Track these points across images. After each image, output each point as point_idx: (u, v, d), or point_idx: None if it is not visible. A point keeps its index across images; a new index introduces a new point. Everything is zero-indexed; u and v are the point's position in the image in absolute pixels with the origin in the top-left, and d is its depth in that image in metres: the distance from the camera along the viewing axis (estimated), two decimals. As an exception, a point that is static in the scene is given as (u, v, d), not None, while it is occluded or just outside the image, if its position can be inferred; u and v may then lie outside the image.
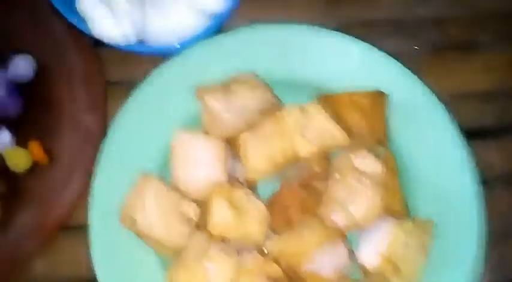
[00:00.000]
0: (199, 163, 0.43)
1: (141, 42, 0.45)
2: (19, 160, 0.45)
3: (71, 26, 0.44)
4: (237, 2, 0.45)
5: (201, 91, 0.45)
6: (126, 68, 0.51)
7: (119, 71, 0.51)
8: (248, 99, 0.44)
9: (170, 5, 0.46)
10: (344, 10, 0.54)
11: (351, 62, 0.47)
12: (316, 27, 0.48)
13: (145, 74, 0.49)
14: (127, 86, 0.49)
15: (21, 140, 0.46)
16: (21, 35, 0.48)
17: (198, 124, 0.45)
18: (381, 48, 0.47)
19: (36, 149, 0.45)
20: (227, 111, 0.43)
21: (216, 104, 0.42)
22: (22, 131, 0.46)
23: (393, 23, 0.54)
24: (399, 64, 0.46)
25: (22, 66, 0.47)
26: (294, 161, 0.43)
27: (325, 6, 0.54)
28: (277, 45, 0.47)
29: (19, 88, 0.47)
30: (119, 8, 0.43)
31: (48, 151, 0.46)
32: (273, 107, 0.45)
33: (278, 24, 0.48)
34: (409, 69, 0.46)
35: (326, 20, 0.53)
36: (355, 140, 0.43)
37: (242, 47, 0.47)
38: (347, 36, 0.47)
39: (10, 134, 0.46)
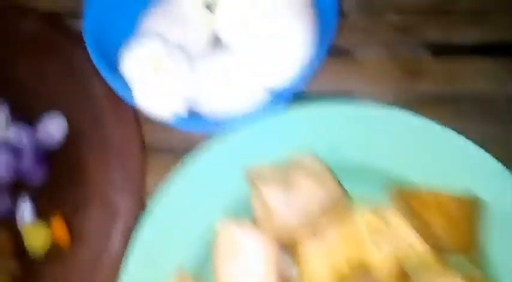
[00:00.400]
0: (247, 262, 0.36)
1: (190, 115, 0.38)
2: (38, 239, 0.38)
3: (112, 90, 0.38)
4: (304, 81, 0.37)
5: (252, 174, 0.38)
6: (168, 133, 0.44)
7: (159, 137, 0.45)
8: (310, 193, 0.36)
9: (227, 76, 0.39)
10: (420, 84, 0.47)
11: (433, 152, 0.39)
12: (393, 107, 0.40)
13: (188, 141, 0.44)
14: (167, 155, 0.44)
15: (42, 213, 0.40)
16: (54, 93, 0.42)
17: (247, 211, 0.38)
18: (469, 137, 0.40)
19: (58, 226, 0.39)
20: (286, 207, 0.36)
21: (273, 198, 0.35)
22: (44, 202, 0.40)
23: (480, 101, 0.46)
24: (493, 160, 0.38)
25: (53, 127, 0.41)
26: (363, 273, 0.36)
27: (400, 78, 0.47)
28: (344, 125, 0.40)
29: (47, 152, 0.41)
30: (169, 78, 0.36)
31: (71, 229, 0.39)
32: (339, 204, 0.37)
33: (347, 101, 0.41)
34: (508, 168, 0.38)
35: (399, 93, 0.47)
36: (439, 253, 0.36)
37: (304, 125, 0.40)
38: (429, 121, 0.39)
39: (31, 205, 0.40)
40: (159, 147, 0.45)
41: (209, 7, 0.44)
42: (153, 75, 0.36)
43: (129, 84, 0.38)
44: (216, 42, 0.44)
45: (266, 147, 0.40)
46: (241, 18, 0.41)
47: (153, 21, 0.43)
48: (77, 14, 0.47)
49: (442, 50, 0.48)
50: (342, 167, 0.40)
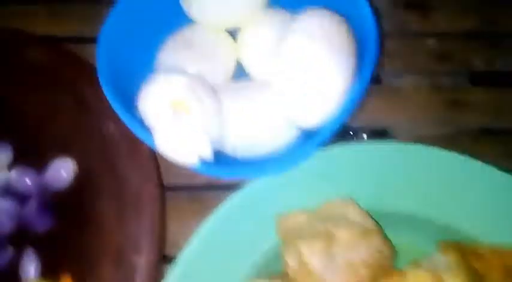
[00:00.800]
0: None
1: (216, 158, 0.33)
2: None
3: (128, 129, 0.34)
4: (342, 119, 0.33)
5: (285, 226, 0.34)
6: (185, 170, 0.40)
7: (175, 173, 0.40)
8: (353, 248, 0.32)
9: (257, 113, 0.35)
10: (465, 116, 0.43)
11: (492, 200, 0.35)
12: (441, 148, 0.36)
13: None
14: (184, 193, 0.40)
15: (48, 268, 0.35)
16: (63, 132, 0.38)
17: (275, 262, 0.34)
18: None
19: (68, 286, 0.35)
20: (328, 266, 0.31)
21: (314, 258, 0.31)
22: (50, 255, 0.36)
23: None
24: None
25: (61, 170, 0.37)
26: None
27: (445, 109, 0.43)
28: (387, 167, 0.36)
29: (53, 198, 0.37)
30: (194, 119, 0.32)
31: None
32: (385, 258, 0.33)
33: (388, 141, 0.37)
34: None
35: (443, 124, 0.43)
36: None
37: (343, 168, 0.36)
38: (486, 165, 0.35)
39: (37, 260, 0.35)
40: (176, 185, 0.40)
41: (232, 34, 0.40)
42: (176, 116, 0.32)
43: (147, 125, 0.34)
44: (240, 72, 0.40)
45: (299, 193, 0.35)
46: (268, 49, 0.37)
47: (172, 52, 0.39)
48: (88, 39, 0.44)
49: (486, 78, 0.44)
50: (385, 214, 0.35)
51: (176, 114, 0.32)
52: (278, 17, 0.39)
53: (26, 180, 0.37)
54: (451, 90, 0.44)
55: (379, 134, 0.43)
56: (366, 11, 0.35)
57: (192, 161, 0.32)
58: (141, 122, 0.34)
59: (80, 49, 0.42)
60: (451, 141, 0.42)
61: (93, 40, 0.43)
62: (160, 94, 0.33)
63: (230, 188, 0.40)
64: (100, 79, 0.34)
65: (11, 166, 0.38)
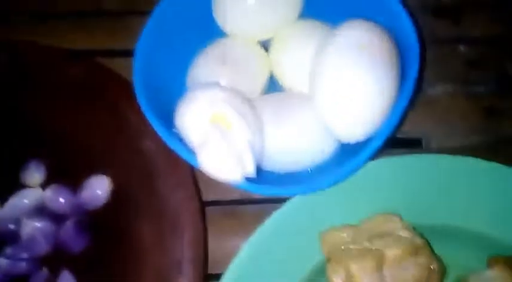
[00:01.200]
0: None
1: (259, 175, 0.33)
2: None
3: (167, 146, 0.33)
4: (386, 133, 0.32)
5: (329, 242, 0.33)
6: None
7: (213, 188, 0.39)
8: (402, 265, 0.32)
9: (296, 126, 0.34)
10: (502, 123, 0.42)
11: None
12: (480, 160, 0.35)
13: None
14: (221, 207, 0.40)
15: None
16: (99, 148, 0.37)
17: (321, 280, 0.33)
18: None
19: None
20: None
21: (366, 280, 0.30)
22: (86, 276, 0.35)
23: None
24: None
25: (97, 189, 0.36)
26: None
27: (481, 117, 0.42)
28: (431, 181, 0.35)
29: (89, 218, 0.36)
30: (236, 134, 0.31)
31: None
32: (434, 275, 0.32)
33: (430, 154, 0.36)
34: None
35: (481, 132, 0.42)
36: None
37: (385, 182, 0.35)
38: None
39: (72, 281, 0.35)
40: (211, 200, 0.40)
41: (264, 45, 0.40)
42: (217, 132, 0.31)
43: (186, 142, 0.33)
44: (272, 83, 0.39)
45: (341, 208, 0.35)
46: (302, 61, 0.37)
47: (205, 66, 0.38)
48: (117, 52, 0.44)
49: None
50: (430, 227, 0.34)
51: (217, 130, 0.31)
52: (312, 28, 0.38)
53: (60, 199, 0.36)
54: (486, 97, 0.43)
55: (414, 143, 0.42)
56: (407, 23, 0.34)
57: (235, 178, 0.31)
58: (180, 139, 0.33)
59: (108, 62, 0.42)
60: (490, 150, 0.41)
61: (121, 53, 0.44)
62: (200, 110, 0.32)
63: (265, 202, 0.39)
64: (138, 96, 0.34)
65: (45, 185, 0.37)
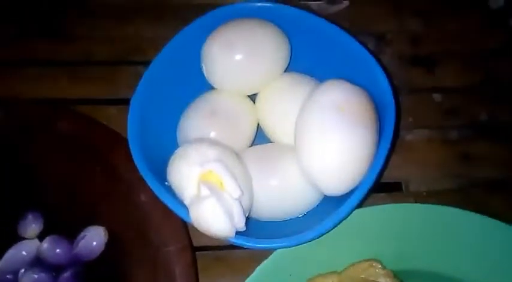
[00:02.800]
0: None
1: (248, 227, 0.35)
2: None
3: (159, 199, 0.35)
4: (371, 182, 0.35)
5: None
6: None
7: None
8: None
9: (280, 177, 0.36)
10: (476, 168, 0.45)
11: (506, 255, 0.36)
12: (453, 208, 0.38)
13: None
14: (212, 252, 0.41)
15: None
16: (93, 201, 0.38)
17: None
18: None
19: None
20: None
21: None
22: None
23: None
24: None
25: (92, 239, 0.37)
26: None
27: (456, 162, 0.45)
28: (409, 228, 0.37)
29: (85, 267, 0.37)
30: (227, 190, 0.33)
31: None
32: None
33: (412, 204, 0.38)
34: None
35: (456, 177, 0.45)
36: None
37: (367, 229, 0.37)
38: (499, 223, 0.37)
39: None
40: (201, 245, 0.41)
41: (252, 97, 0.42)
42: (208, 189, 0.33)
43: (178, 195, 0.35)
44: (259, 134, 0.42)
45: (326, 256, 0.37)
46: (287, 114, 0.39)
47: (195, 118, 0.40)
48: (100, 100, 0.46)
49: (492, 131, 0.46)
50: (411, 273, 0.37)
51: (208, 187, 0.33)
52: (296, 81, 0.41)
53: (57, 250, 0.37)
54: (460, 143, 0.46)
55: (394, 187, 0.44)
56: (384, 83, 0.37)
57: (226, 234, 0.33)
58: (172, 192, 0.35)
59: (94, 110, 0.44)
60: (464, 194, 0.43)
61: (107, 102, 0.46)
62: (191, 167, 0.34)
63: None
64: (132, 153, 0.35)
65: (42, 236, 0.38)
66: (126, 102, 0.45)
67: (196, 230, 0.40)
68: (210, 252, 0.42)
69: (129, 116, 0.37)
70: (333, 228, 0.34)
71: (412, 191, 0.44)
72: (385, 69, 0.38)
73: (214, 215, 0.32)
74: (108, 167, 0.37)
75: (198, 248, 0.41)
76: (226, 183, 0.33)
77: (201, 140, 0.36)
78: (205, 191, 0.33)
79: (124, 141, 0.38)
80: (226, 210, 0.32)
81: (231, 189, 0.33)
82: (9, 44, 0.49)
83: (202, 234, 0.40)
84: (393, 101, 0.36)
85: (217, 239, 0.41)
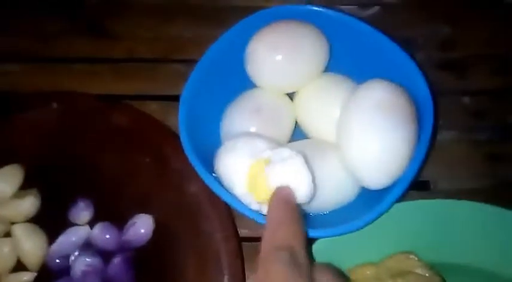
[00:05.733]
0: None
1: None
2: None
3: (209, 188, 0.37)
4: (411, 178, 0.36)
5: (351, 277, 0.37)
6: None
7: (245, 224, 0.43)
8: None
9: (320, 172, 0.38)
10: (503, 168, 0.46)
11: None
12: (485, 205, 0.39)
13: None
14: (250, 243, 0.42)
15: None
16: (144, 190, 0.40)
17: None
18: None
19: None
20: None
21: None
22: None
23: None
24: None
25: (142, 228, 0.39)
26: None
27: (483, 163, 0.47)
28: (444, 223, 0.39)
29: (134, 255, 0.39)
30: (276, 179, 0.35)
31: None
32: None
33: (446, 200, 0.40)
34: None
35: (483, 177, 0.46)
36: None
37: (405, 223, 0.39)
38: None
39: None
40: (243, 236, 0.43)
41: (290, 95, 0.44)
42: (259, 179, 0.35)
43: (226, 184, 0.37)
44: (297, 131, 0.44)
45: (365, 248, 0.38)
46: (326, 112, 0.41)
47: (239, 114, 0.42)
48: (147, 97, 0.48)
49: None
50: (445, 265, 0.38)
51: (259, 176, 0.35)
52: (334, 81, 0.43)
53: (107, 236, 0.39)
54: (488, 144, 0.47)
55: (421, 186, 0.46)
56: (422, 84, 0.39)
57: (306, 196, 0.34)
58: (219, 182, 0.37)
59: (140, 106, 0.45)
60: (491, 194, 0.45)
61: (152, 98, 0.48)
62: (242, 159, 0.36)
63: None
64: (183, 143, 0.37)
65: (92, 223, 0.40)
66: (166, 98, 0.48)
67: (237, 221, 0.42)
68: (248, 243, 0.43)
69: (179, 110, 0.39)
70: (375, 220, 0.36)
71: (440, 189, 0.46)
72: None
73: (301, 174, 0.32)
74: (159, 158, 0.39)
75: (241, 238, 0.42)
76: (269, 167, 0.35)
77: (250, 134, 0.38)
78: (250, 177, 0.34)
79: (172, 134, 0.40)
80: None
81: (285, 178, 0.35)
82: (55, 41, 0.51)
83: (242, 226, 0.43)
84: (432, 102, 0.38)
85: (259, 230, 0.43)
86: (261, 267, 0.26)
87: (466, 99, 0.49)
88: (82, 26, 0.52)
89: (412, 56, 0.40)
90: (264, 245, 0.27)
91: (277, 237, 0.28)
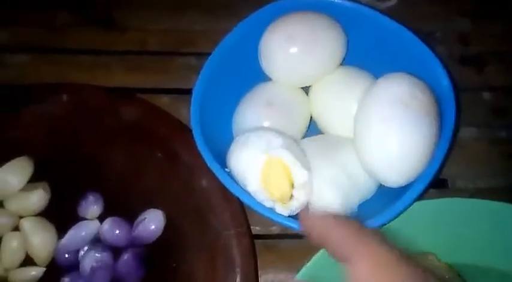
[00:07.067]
0: None
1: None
2: None
3: (220, 184, 0.36)
4: (431, 176, 0.35)
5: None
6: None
7: (256, 221, 0.42)
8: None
9: (336, 168, 0.37)
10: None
11: None
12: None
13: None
14: (262, 241, 0.42)
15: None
16: (154, 185, 0.39)
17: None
18: None
19: None
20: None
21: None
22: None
23: None
24: None
25: (151, 223, 0.38)
26: None
27: (502, 161, 0.45)
28: (458, 221, 0.38)
29: (144, 250, 0.38)
30: (291, 177, 0.34)
31: None
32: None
33: (465, 199, 0.39)
34: None
35: (502, 176, 0.45)
36: None
37: (424, 223, 0.37)
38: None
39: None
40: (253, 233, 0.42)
41: (305, 89, 0.43)
42: (273, 175, 0.34)
43: (238, 179, 0.36)
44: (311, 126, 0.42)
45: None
46: (341, 108, 0.40)
47: (252, 108, 0.41)
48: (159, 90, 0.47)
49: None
50: (464, 266, 0.37)
51: (274, 173, 0.34)
52: (351, 75, 0.41)
53: (117, 232, 0.38)
54: (508, 142, 0.46)
55: (439, 183, 0.45)
56: (444, 78, 0.38)
57: (284, 215, 0.34)
58: (231, 177, 0.36)
59: (151, 99, 0.44)
60: (511, 192, 0.44)
61: (163, 91, 0.47)
62: (256, 153, 0.35)
63: (303, 236, 0.42)
64: (195, 137, 0.36)
65: (102, 218, 0.39)
66: (177, 91, 0.47)
67: (250, 217, 0.41)
68: (259, 240, 0.42)
69: (191, 105, 0.38)
70: (393, 219, 0.35)
71: (459, 187, 0.45)
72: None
73: (276, 197, 0.33)
74: (169, 152, 0.38)
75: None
76: (293, 169, 0.34)
77: (264, 129, 0.37)
78: (268, 175, 0.34)
79: (183, 128, 0.39)
80: (290, 193, 0.33)
81: (299, 175, 0.34)
82: (66, 33, 0.50)
83: (253, 222, 0.42)
84: (453, 96, 0.37)
85: (269, 227, 0.42)
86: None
87: (487, 95, 0.48)
88: (92, 18, 0.51)
89: (432, 50, 0.39)
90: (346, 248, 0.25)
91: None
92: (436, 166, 0.35)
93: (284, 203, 0.35)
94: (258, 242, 0.42)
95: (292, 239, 0.42)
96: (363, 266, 0.24)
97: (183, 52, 0.50)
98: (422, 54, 0.39)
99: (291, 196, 0.35)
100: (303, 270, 0.36)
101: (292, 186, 0.35)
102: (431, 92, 0.36)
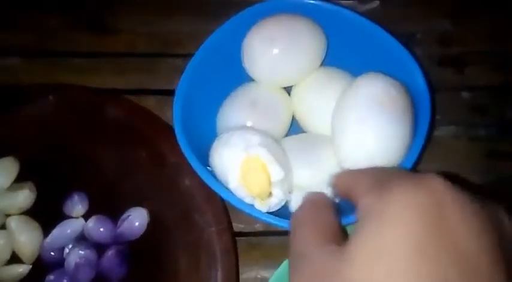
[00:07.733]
0: None
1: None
2: None
3: (203, 183, 0.37)
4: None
5: None
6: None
7: (240, 219, 0.43)
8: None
9: (315, 166, 0.38)
10: (502, 165, 0.46)
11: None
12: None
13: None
14: (246, 238, 0.43)
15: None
16: (138, 184, 0.40)
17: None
18: None
19: None
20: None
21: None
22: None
23: None
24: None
25: (135, 221, 0.39)
26: None
27: (482, 159, 0.46)
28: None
29: (127, 248, 0.39)
30: (271, 174, 0.35)
31: None
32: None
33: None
34: None
35: (482, 173, 0.46)
36: None
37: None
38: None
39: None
40: (237, 231, 0.43)
41: (287, 89, 0.44)
42: (252, 172, 0.35)
43: (220, 178, 0.37)
44: (294, 125, 0.43)
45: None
46: (322, 106, 0.41)
47: (235, 108, 0.42)
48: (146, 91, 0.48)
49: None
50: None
51: (252, 171, 0.35)
52: (331, 75, 0.42)
53: (101, 229, 0.39)
54: (487, 140, 0.47)
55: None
56: (420, 79, 0.39)
57: (264, 211, 0.35)
58: (213, 176, 0.37)
59: (138, 100, 0.45)
60: (490, 190, 0.45)
61: (151, 92, 0.48)
62: (236, 152, 0.36)
63: (287, 234, 0.43)
64: (178, 137, 0.37)
65: (87, 216, 0.40)
66: (165, 93, 0.48)
67: (233, 215, 0.42)
68: (243, 238, 0.43)
69: (174, 105, 0.39)
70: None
71: (439, 186, 0.45)
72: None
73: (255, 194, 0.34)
74: (155, 152, 0.39)
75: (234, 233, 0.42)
76: (270, 166, 0.35)
77: (244, 128, 0.38)
78: (247, 173, 0.35)
79: (168, 129, 0.40)
80: (268, 191, 0.34)
81: (275, 172, 0.35)
82: (56, 35, 0.51)
83: (237, 220, 0.43)
84: (429, 96, 0.38)
85: (252, 225, 0.43)
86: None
87: (465, 95, 0.49)
88: (82, 21, 0.52)
89: (411, 51, 0.40)
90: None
91: None
92: (410, 164, 0.36)
93: (263, 200, 0.35)
94: (242, 239, 0.43)
95: (276, 237, 0.43)
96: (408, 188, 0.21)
97: (171, 54, 0.51)
98: (399, 54, 0.40)
99: (270, 193, 0.36)
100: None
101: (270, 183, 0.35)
102: (406, 91, 0.37)
